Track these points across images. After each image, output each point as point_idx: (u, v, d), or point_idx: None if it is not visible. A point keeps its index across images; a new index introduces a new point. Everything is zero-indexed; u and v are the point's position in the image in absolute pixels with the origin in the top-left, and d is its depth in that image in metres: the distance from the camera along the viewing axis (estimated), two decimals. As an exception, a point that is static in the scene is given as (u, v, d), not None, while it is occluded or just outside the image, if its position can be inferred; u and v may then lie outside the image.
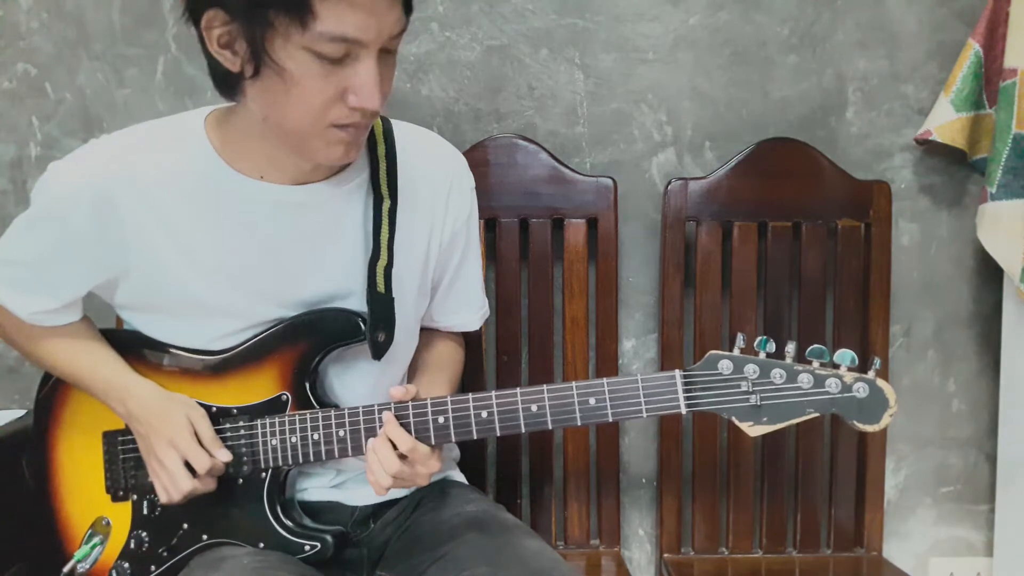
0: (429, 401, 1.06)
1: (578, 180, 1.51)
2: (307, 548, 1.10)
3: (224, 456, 1.09)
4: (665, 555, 1.54)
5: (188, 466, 1.08)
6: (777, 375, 0.98)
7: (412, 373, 1.24)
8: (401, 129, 1.16)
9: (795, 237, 1.53)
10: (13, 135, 1.58)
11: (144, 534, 1.14)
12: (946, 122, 1.52)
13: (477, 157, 1.47)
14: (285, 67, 0.92)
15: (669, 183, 1.52)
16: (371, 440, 1.05)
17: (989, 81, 1.51)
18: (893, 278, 1.54)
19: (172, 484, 1.08)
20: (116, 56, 1.56)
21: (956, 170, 1.61)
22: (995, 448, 1.65)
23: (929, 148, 1.59)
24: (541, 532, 1.36)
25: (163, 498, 1.09)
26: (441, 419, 1.05)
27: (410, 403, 1.06)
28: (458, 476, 1.29)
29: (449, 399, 1.05)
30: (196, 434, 1.08)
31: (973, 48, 1.49)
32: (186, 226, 1.06)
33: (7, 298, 1.12)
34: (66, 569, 1.14)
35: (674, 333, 1.52)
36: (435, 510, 1.18)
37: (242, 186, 1.05)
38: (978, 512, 1.70)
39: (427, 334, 1.27)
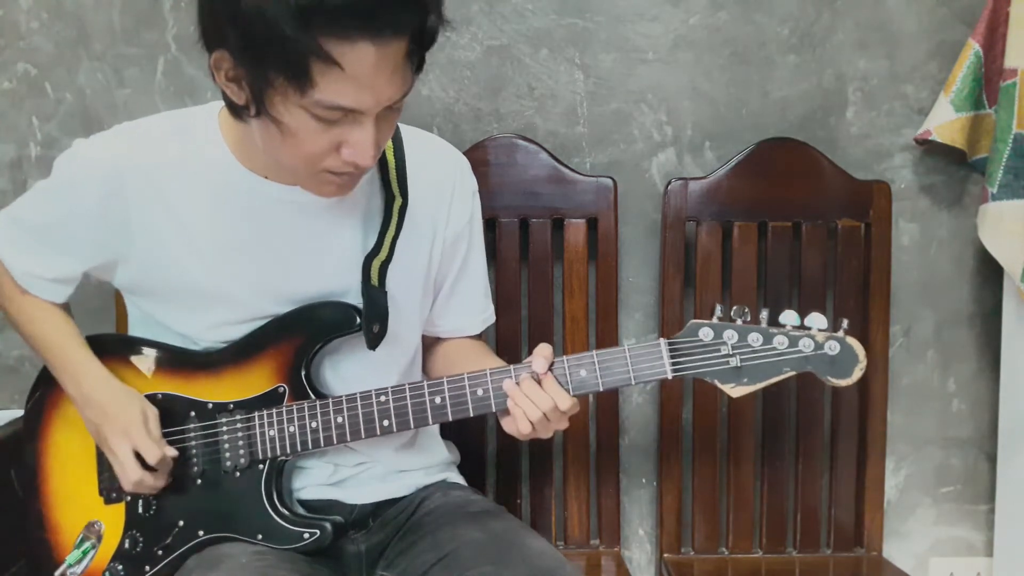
0: (426, 383, 1.08)
1: (578, 180, 1.52)
2: (306, 536, 1.10)
3: (171, 452, 1.10)
4: (665, 555, 1.54)
5: (140, 459, 1.09)
6: (754, 338, 1.03)
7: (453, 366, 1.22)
8: (406, 132, 1.17)
9: (795, 237, 1.53)
10: (13, 135, 1.58)
11: (138, 534, 1.14)
12: (946, 122, 1.52)
13: (477, 157, 1.47)
14: (282, 120, 0.93)
15: (669, 183, 1.52)
16: (523, 388, 1.04)
17: (989, 81, 1.51)
18: (893, 278, 1.54)
19: (122, 473, 1.09)
20: (116, 56, 1.57)
21: (956, 170, 1.61)
22: (995, 448, 1.64)
23: (929, 148, 1.59)
24: (541, 532, 1.35)
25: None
26: (438, 399, 1.07)
27: (407, 385, 1.08)
28: (457, 477, 1.29)
29: (446, 379, 1.07)
30: (147, 428, 1.09)
31: (973, 48, 1.49)
32: (190, 215, 1.08)
33: (6, 253, 1.16)
34: (57, 574, 1.14)
35: (674, 333, 1.51)
36: (437, 510, 1.18)
37: (247, 181, 1.07)
38: (978, 512, 1.70)
39: (449, 343, 1.27)
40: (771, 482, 1.55)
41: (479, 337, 1.31)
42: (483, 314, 1.29)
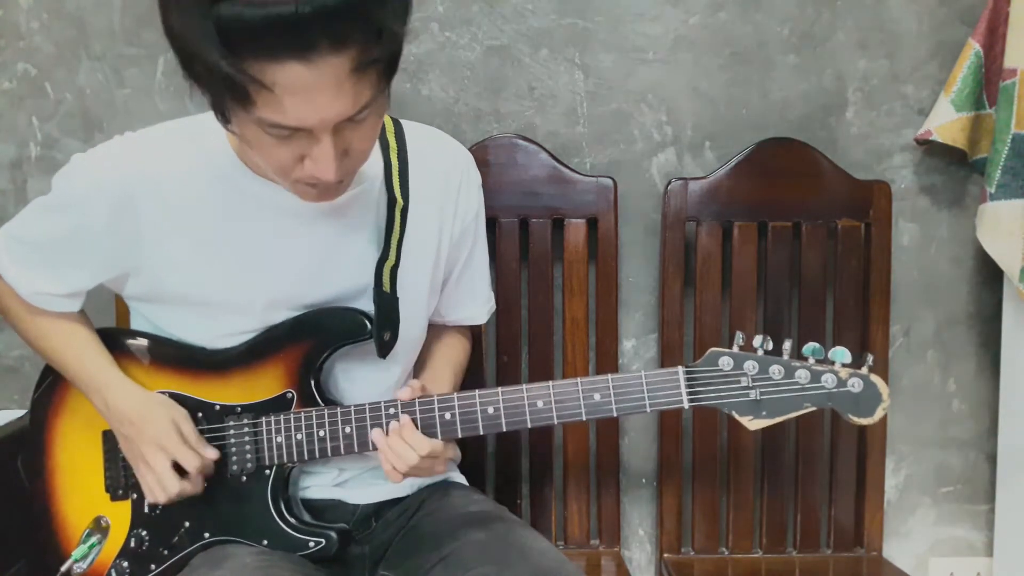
0: (436, 397, 1.07)
1: (578, 180, 1.52)
2: (311, 544, 1.10)
3: (212, 454, 1.09)
4: (665, 555, 1.54)
5: (177, 467, 1.08)
6: (776, 371, 1.01)
7: (419, 365, 1.24)
8: (410, 129, 1.17)
9: (795, 237, 1.53)
10: (13, 135, 1.58)
11: (144, 533, 1.14)
12: (946, 122, 1.52)
13: (477, 157, 1.45)
14: (243, 132, 0.91)
15: (669, 183, 1.52)
16: (388, 440, 1.05)
17: (989, 81, 1.51)
18: (893, 278, 1.54)
19: (160, 486, 1.08)
20: (116, 56, 1.56)
21: (956, 170, 1.61)
22: (995, 448, 1.64)
23: (929, 148, 1.59)
24: (541, 532, 1.36)
25: (149, 497, 1.09)
26: (448, 415, 1.06)
27: (417, 400, 1.07)
28: (458, 477, 1.29)
29: (456, 396, 1.07)
30: (181, 434, 1.08)
31: (973, 48, 1.50)
32: (202, 225, 1.06)
33: (11, 273, 1.14)
34: (63, 569, 1.14)
35: (674, 333, 1.52)
36: (438, 510, 1.18)
37: (257, 187, 1.06)
38: (978, 512, 1.71)
39: (434, 327, 1.27)
40: (771, 482, 1.55)
41: (469, 331, 1.33)
42: (487, 304, 1.31)
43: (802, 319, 1.53)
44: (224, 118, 0.91)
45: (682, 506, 1.55)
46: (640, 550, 1.70)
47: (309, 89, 0.84)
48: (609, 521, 1.55)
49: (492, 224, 1.50)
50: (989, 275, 1.63)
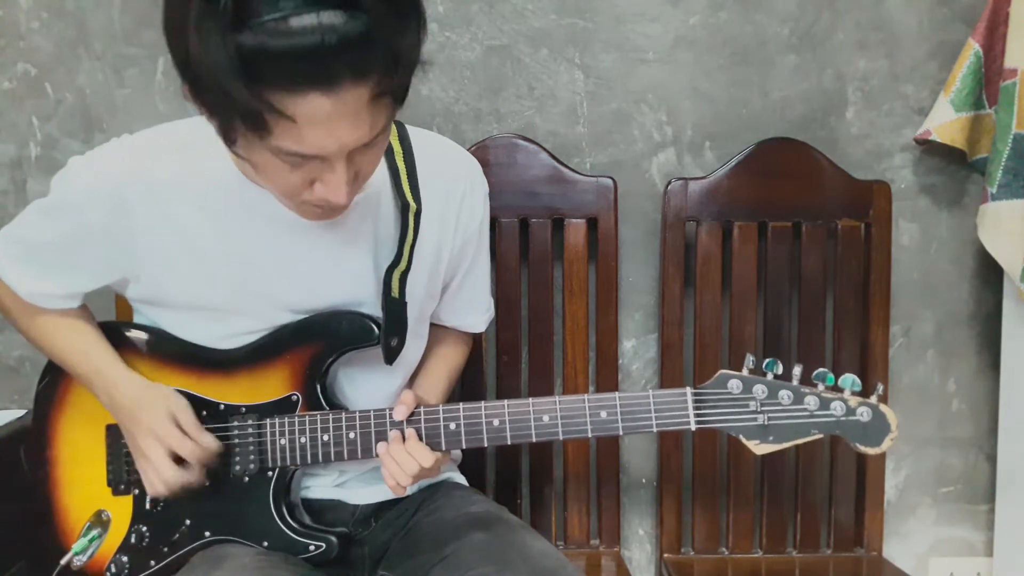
0: (441, 408, 1.07)
1: (578, 180, 1.52)
2: (312, 548, 1.10)
3: (209, 441, 1.08)
4: (665, 555, 1.54)
5: (178, 459, 1.08)
6: (784, 396, 1.02)
7: (417, 367, 1.24)
8: (415, 134, 1.16)
9: (795, 237, 1.53)
10: (13, 135, 1.58)
11: (145, 529, 1.14)
12: (946, 122, 1.52)
13: (477, 157, 1.45)
14: (250, 157, 0.90)
15: (669, 183, 1.52)
16: (390, 449, 1.06)
17: (989, 81, 1.51)
18: (893, 278, 1.54)
19: (157, 476, 1.07)
20: (116, 56, 1.57)
21: (956, 170, 1.62)
22: (995, 448, 1.65)
23: (929, 148, 1.59)
24: (541, 532, 1.36)
25: (150, 491, 1.09)
26: (452, 425, 1.07)
27: (422, 409, 1.07)
28: (459, 477, 1.30)
29: (461, 406, 1.07)
30: (178, 424, 1.08)
31: (973, 48, 1.50)
32: (200, 232, 1.06)
33: (10, 273, 1.13)
34: (63, 561, 1.14)
35: (674, 333, 1.52)
36: (438, 511, 1.18)
37: (256, 196, 1.04)
38: (978, 512, 1.71)
39: (435, 328, 1.27)
40: (771, 482, 1.55)
41: (468, 335, 1.33)
42: (486, 313, 1.31)
43: (802, 319, 1.53)
44: (231, 142, 0.89)
45: (682, 506, 1.55)
46: (640, 550, 1.70)
47: (330, 119, 0.83)
48: (609, 521, 1.55)
49: (492, 224, 1.50)
50: (989, 275, 1.63)
